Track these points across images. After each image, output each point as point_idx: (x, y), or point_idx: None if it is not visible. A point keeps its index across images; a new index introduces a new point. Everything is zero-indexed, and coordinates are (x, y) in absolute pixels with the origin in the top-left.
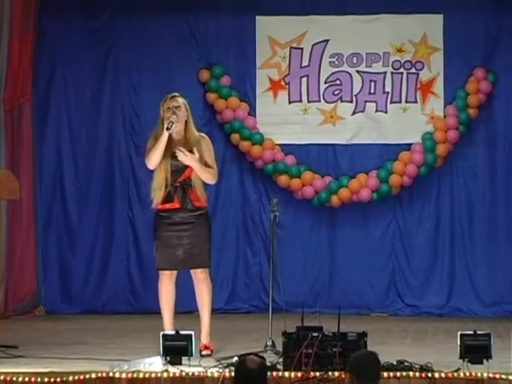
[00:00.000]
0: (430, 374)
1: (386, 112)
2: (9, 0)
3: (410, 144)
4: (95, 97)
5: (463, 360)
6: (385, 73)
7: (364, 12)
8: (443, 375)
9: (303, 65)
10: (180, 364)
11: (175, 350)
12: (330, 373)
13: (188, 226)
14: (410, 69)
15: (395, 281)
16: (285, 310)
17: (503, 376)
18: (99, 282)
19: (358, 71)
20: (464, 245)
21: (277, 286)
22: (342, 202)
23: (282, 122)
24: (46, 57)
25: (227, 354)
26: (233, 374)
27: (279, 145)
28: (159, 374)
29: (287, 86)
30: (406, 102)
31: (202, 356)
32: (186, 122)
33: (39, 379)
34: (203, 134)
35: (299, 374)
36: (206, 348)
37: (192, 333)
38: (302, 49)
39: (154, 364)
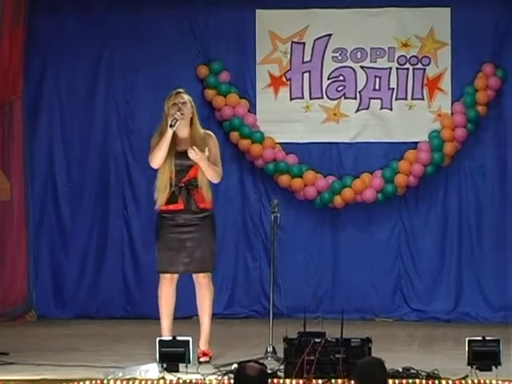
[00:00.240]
0: (436, 382)
1: (391, 109)
2: None
3: (417, 142)
4: (89, 94)
5: (471, 367)
6: (390, 68)
7: (368, 5)
8: (450, 383)
9: (305, 60)
10: (177, 371)
11: (172, 356)
12: (332, 380)
13: (191, 228)
14: (416, 64)
15: (401, 285)
16: (286, 315)
17: None
18: (93, 285)
19: (362, 67)
20: (472, 247)
21: (278, 290)
22: (345, 203)
23: (283, 119)
24: (38, 52)
25: (226, 361)
26: (232, 381)
27: (280, 143)
28: (155, 382)
29: (288, 83)
30: (412, 98)
31: (199, 363)
32: (192, 119)
33: None
34: (209, 132)
35: (301, 382)
36: (205, 355)
37: (189, 339)
38: (303, 43)
39: (150, 371)
